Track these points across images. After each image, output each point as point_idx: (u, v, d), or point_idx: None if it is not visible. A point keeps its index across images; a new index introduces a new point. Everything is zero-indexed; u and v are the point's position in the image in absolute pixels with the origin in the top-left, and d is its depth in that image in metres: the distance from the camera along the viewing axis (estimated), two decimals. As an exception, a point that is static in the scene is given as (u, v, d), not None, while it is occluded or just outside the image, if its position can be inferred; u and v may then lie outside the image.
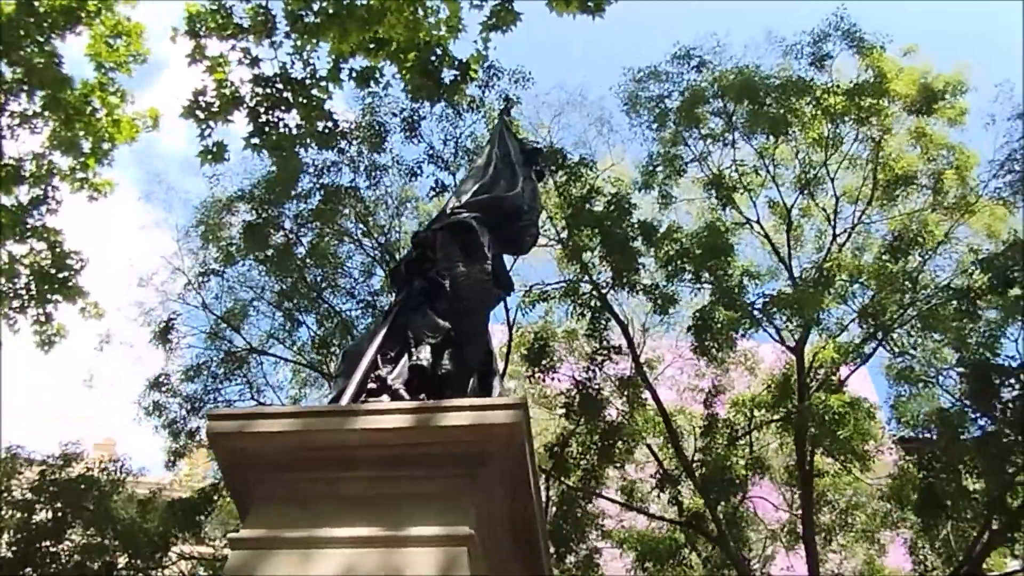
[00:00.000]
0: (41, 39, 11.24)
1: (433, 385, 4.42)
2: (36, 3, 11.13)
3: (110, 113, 11.87)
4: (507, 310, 15.33)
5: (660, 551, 14.71)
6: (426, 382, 4.44)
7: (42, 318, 11.23)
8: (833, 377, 14.56)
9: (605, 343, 14.65)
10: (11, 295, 11.08)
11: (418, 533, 3.61)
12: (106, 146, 11.96)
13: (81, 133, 11.68)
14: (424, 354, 4.57)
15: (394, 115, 15.62)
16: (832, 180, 16.58)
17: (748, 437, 15.29)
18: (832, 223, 16.55)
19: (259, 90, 9.49)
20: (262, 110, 9.41)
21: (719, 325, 13.97)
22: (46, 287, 11.11)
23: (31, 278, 11.11)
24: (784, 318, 14.54)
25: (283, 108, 9.53)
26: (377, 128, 15.56)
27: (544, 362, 14.66)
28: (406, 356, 4.61)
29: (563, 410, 14.81)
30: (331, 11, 9.43)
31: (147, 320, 16.74)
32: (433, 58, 8.77)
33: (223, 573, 3.76)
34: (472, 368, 4.75)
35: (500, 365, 5.34)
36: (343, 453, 3.91)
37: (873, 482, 15.36)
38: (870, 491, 15.72)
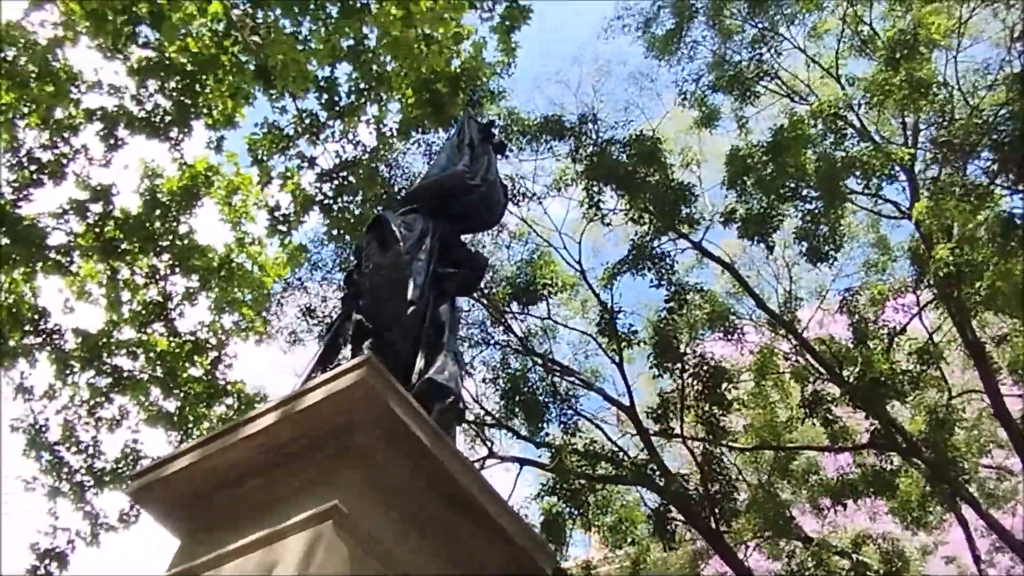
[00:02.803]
0: (174, 224, 12.48)
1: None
2: (158, 195, 12.42)
3: (254, 261, 12.86)
4: (597, 296, 14.57)
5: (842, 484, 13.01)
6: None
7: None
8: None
9: (675, 286, 13.32)
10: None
11: (292, 522, 3.50)
12: (263, 292, 12.96)
13: (236, 289, 12.69)
14: (345, 352, 4.52)
15: (403, 154, 14.49)
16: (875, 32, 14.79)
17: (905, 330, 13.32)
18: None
19: (324, 186, 9.98)
20: (330, 201, 9.87)
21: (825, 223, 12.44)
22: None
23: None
24: (863, 182, 12.79)
25: (348, 192, 9.93)
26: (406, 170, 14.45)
27: (620, 333, 13.69)
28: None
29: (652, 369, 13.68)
30: (362, 86, 9.81)
31: None
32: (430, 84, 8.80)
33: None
34: (402, 351, 4.59)
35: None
36: (238, 469, 3.89)
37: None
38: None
